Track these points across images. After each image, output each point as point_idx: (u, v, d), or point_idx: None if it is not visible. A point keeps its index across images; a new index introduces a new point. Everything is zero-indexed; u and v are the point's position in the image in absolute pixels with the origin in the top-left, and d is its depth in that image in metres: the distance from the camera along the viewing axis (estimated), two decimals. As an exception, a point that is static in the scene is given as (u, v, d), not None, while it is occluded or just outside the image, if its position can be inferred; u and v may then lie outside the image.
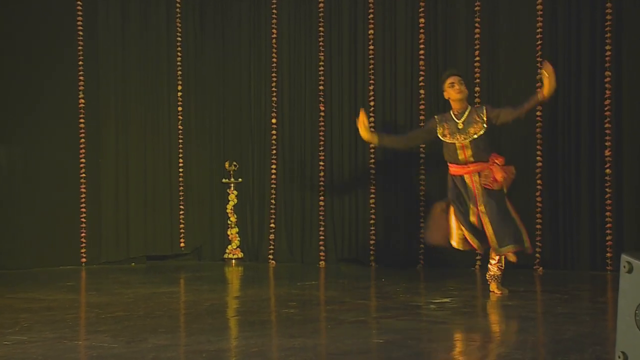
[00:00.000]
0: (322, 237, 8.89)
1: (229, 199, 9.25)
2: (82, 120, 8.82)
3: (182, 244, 9.28)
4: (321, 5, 8.92)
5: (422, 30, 8.49)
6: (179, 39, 9.30)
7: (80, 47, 8.82)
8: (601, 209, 7.75)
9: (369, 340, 4.58)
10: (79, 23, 8.82)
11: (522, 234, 6.26)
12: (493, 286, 6.33)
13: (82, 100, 8.82)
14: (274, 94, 9.15)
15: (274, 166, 9.15)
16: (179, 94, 9.30)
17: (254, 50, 9.28)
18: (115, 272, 8.23)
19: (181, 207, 9.26)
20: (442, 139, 6.38)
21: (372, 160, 8.68)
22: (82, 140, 8.82)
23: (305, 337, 4.54)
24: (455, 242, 6.40)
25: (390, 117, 8.63)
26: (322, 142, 8.92)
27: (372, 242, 8.65)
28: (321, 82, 8.93)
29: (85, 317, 5.62)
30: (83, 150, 8.82)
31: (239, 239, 9.24)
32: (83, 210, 8.80)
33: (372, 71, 8.69)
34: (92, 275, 8.16)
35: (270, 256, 9.10)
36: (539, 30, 8.03)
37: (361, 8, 8.75)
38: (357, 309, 5.82)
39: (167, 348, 4.23)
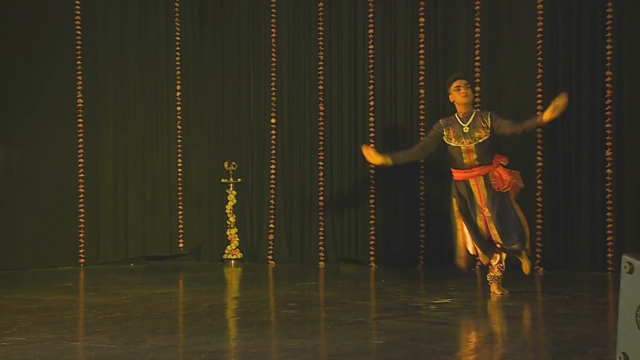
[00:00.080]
0: (321, 238, 8.87)
1: (228, 199, 9.23)
2: (80, 121, 8.81)
3: (180, 245, 9.26)
4: (321, 4, 8.90)
5: (422, 30, 8.47)
6: (178, 38, 9.28)
7: (78, 47, 8.81)
8: (602, 209, 7.74)
9: (369, 341, 4.56)
10: (78, 23, 8.81)
11: (525, 236, 6.23)
12: (494, 287, 6.31)
13: (81, 100, 8.81)
14: (273, 93, 9.13)
15: (273, 166, 9.12)
16: (178, 93, 9.28)
17: (253, 50, 9.25)
18: (113, 273, 8.22)
19: (180, 207, 9.25)
20: (447, 142, 6.35)
21: (372, 161, 8.65)
22: (81, 140, 8.81)
23: (304, 338, 4.53)
24: (471, 249, 6.40)
25: (390, 117, 8.61)
26: (321, 142, 8.90)
27: (371, 242, 8.62)
28: (321, 82, 8.90)
29: (84, 317, 5.61)
30: (81, 151, 8.81)
31: (238, 239, 9.22)
32: (81, 210, 8.79)
33: (372, 71, 8.67)
34: (90, 276, 8.15)
35: (270, 257, 9.08)
36: (539, 29, 8.01)
37: (361, 7, 8.73)
38: (357, 310, 5.81)
39: (165, 349, 4.22)
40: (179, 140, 9.27)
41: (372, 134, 8.64)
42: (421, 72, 8.47)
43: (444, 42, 8.45)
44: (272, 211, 9.11)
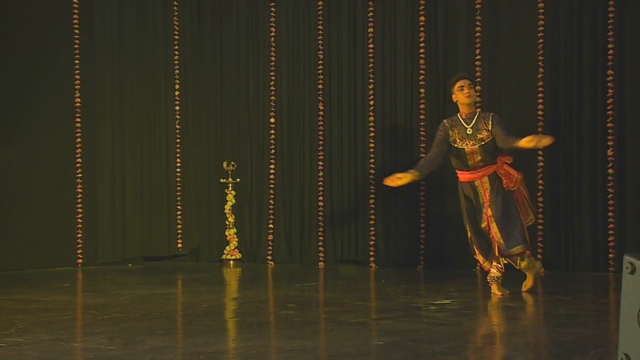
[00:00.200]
0: (321, 238, 8.84)
1: (227, 199, 9.21)
2: (78, 120, 8.79)
3: (179, 245, 9.24)
4: (320, 3, 8.87)
5: (422, 29, 8.44)
6: (176, 37, 9.25)
7: (76, 46, 8.79)
8: (603, 209, 7.71)
9: (369, 342, 4.54)
10: (75, 22, 8.78)
11: (526, 236, 6.22)
12: (494, 287, 6.30)
13: (79, 100, 8.79)
14: (273, 93, 9.10)
15: (272, 166, 9.10)
16: (176, 93, 9.26)
17: (253, 49, 9.22)
18: (111, 273, 8.21)
19: (178, 207, 9.22)
20: (451, 144, 6.32)
21: (372, 161, 8.63)
22: (79, 139, 8.79)
23: (304, 339, 4.51)
24: (476, 255, 6.45)
25: (390, 117, 8.58)
26: (321, 142, 8.88)
27: (371, 242, 8.60)
28: (320, 81, 8.88)
29: (82, 318, 5.59)
30: (79, 150, 8.79)
31: (237, 239, 9.19)
32: (79, 210, 8.77)
33: (372, 70, 8.64)
34: (88, 277, 8.13)
35: (269, 257, 9.05)
36: (540, 28, 7.98)
37: (361, 6, 8.71)
38: (357, 311, 5.79)
39: (164, 350, 4.20)
40: (178, 140, 9.25)
41: (372, 134, 8.61)
42: (421, 72, 8.44)
43: (445, 41, 8.42)
44: (271, 211, 9.08)
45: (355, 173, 8.75)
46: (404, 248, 8.51)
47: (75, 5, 8.78)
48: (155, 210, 9.11)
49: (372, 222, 8.61)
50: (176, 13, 9.25)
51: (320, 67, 8.88)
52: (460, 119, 6.33)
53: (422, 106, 8.43)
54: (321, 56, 8.87)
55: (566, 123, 7.91)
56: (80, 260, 8.77)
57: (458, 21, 8.36)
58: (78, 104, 8.79)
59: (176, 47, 9.25)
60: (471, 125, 6.26)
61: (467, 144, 6.24)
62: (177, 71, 9.25)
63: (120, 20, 9.03)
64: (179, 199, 9.23)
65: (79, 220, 8.77)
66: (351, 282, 7.83)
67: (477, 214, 6.26)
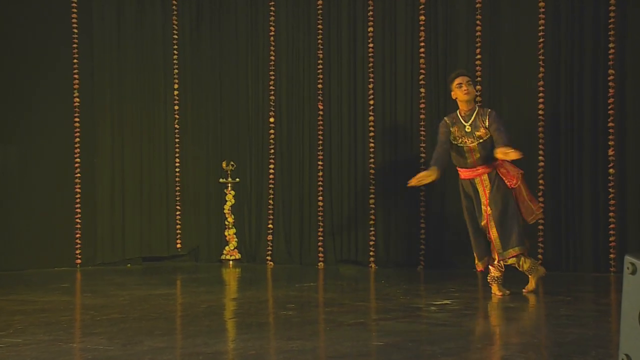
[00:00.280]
0: (320, 238, 8.83)
1: (226, 199, 9.19)
2: (77, 120, 8.78)
3: (178, 245, 9.23)
4: (320, 2, 8.86)
5: (422, 28, 8.43)
6: (175, 36, 9.24)
7: (75, 45, 8.79)
8: (604, 209, 7.70)
9: (369, 342, 4.53)
10: (74, 21, 8.77)
11: (524, 237, 6.20)
12: (494, 288, 6.29)
13: (77, 99, 8.78)
14: (272, 92, 9.08)
15: (272, 166, 9.08)
16: (175, 92, 9.25)
17: (252, 48, 9.21)
18: (110, 274, 8.21)
19: (178, 207, 9.21)
20: (452, 141, 6.30)
21: (372, 160, 8.62)
22: (77, 139, 8.78)
23: (303, 340, 4.50)
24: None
25: (390, 116, 8.57)
26: (320, 142, 8.86)
27: (371, 243, 8.58)
28: (320, 81, 8.86)
29: (80, 319, 5.59)
30: (78, 150, 8.78)
31: (236, 239, 9.18)
32: (78, 210, 8.76)
33: (372, 70, 8.63)
34: (87, 277, 8.13)
35: (268, 257, 9.04)
36: (540, 27, 7.97)
37: (360, 5, 8.69)
38: (357, 311, 5.78)
39: (163, 351, 4.19)
40: (177, 140, 9.23)
41: (371, 133, 8.60)
42: (421, 71, 8.42)
43: (445, 40, 8.41)
44: (271, 211, 9.06)
45: (355, 173, 8.74)
46: (404, 248, 8.50)
47: (74, 5, 8.77)
48: (155, 210, 9.10)
49: (372, 222, 8.59)
50: (175, 12, 9.24)
51: (320, 66, 8.86)
52: (460, 116, 6.31)
53: (422, 105, 8.42)
54: (321, 55, 8.86)
55: (566, 122, 7.89)
56: (79, 261, 8.76)
57: (458, 21, 8.35)
58: (77, 104, 8.78)
59: (175, 47, 9.23)
60: (469, 122, 6.24)
61: (466, 142, 6.23)
62: (176, 71, 9.23)
63: (119, 20, 9.02)
64: (178, 199, 9.22)
65: (78, 220, 8.76)
66: (351, 282, 7.81)
67: (477, 212, 6.24)
